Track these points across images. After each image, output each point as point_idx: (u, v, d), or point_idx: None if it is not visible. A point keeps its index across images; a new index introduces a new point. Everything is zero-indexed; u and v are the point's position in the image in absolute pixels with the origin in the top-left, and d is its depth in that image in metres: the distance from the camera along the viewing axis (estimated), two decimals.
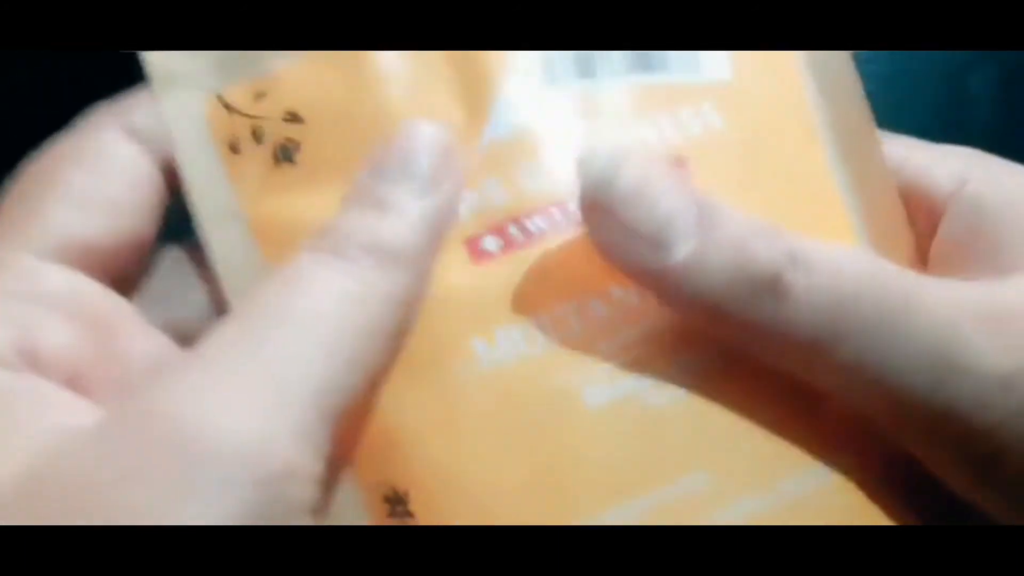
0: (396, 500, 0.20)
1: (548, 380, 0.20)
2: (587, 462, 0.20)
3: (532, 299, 0.20)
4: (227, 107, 0.22)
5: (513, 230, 0.20)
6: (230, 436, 0.16)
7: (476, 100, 0.21)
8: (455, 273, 0.20)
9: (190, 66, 0.22)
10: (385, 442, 0.20)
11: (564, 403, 0.20)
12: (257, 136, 0.22)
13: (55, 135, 0.22)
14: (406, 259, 0.18)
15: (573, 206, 0.20)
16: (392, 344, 0.19)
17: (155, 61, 0.22)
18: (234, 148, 0.22)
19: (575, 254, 0.20)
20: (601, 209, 0.19)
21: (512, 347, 0.20)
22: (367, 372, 0.18)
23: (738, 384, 0.20)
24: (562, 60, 0.21)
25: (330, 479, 0.19)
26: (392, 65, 0.21)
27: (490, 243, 0.20)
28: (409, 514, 0.20)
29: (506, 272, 0.20)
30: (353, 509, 0.20)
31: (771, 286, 0.19)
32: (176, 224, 0.23)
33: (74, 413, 0.18)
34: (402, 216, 0.18)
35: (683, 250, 0.18)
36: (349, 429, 0.19)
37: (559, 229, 0.20)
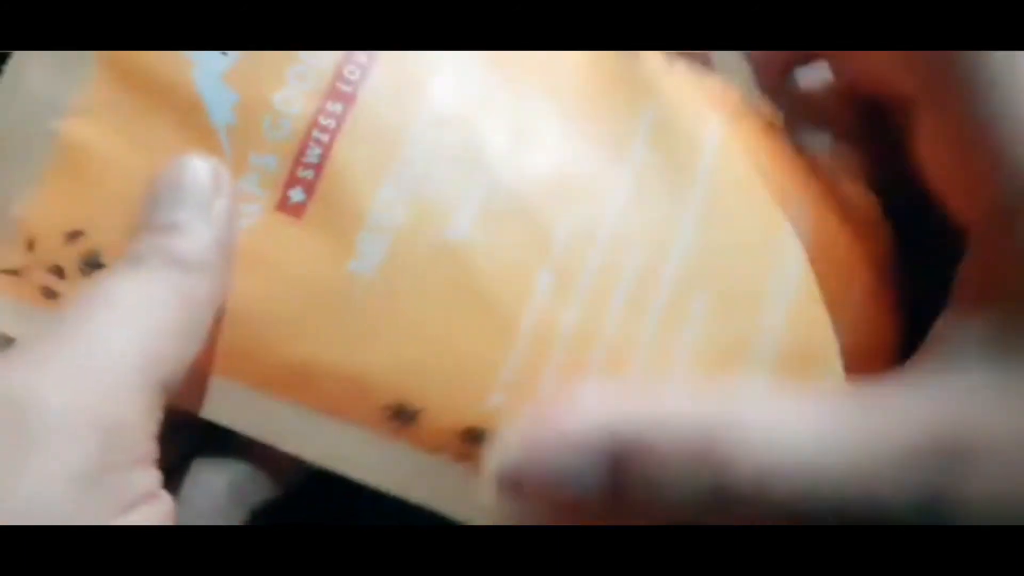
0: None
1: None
2: None
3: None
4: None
5: (302, 173, 0.21)
6: (68, 400, 0.18)
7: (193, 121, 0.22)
8: (285, 234, 0.21)
9: None
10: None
11: None
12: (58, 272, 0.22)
13: None
14: (201, 265, 0.20)
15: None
16: (201, 329, 0.20)
17: None
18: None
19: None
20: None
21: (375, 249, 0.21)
22: (182, 350, 0.20)
23: None
24: None
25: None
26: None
27: (296, 195, 0.21)
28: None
29: (322, 208, 0.21)
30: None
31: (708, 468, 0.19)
32: None
33: None
34: (191, 232, 0.21)
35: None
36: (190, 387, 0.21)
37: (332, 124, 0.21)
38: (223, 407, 0.21)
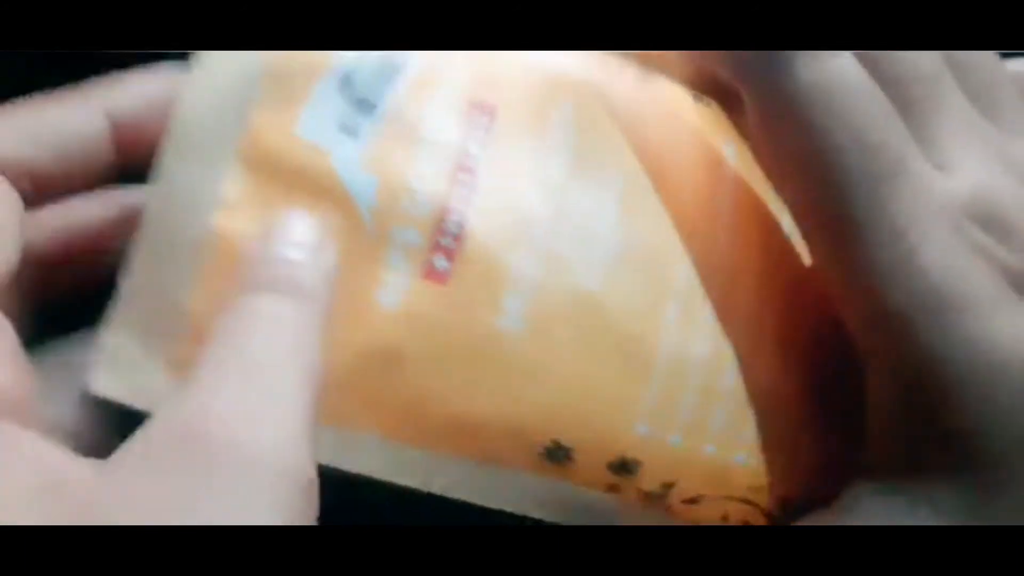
0: None
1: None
2: None
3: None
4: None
5: (443, 241, 0.23)
6: (269, 450, 0.18)
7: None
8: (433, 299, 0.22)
9: None
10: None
11: None
12: None
13: None
14: (317, 295, 0.21)
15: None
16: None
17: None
18: None
19: None
20: None
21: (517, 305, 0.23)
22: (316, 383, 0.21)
23: None
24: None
25: None
26: None
27: (440, 263, 0.23)
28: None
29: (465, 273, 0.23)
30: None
31: None
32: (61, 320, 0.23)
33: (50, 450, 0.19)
34: (307, 267, 0.21)
35: None
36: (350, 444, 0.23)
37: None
38: (387, 464, 0.23)
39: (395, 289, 0.22)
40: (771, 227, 0.25)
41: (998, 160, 0.23)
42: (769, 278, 0.24)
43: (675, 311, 0.23)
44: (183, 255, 0.22)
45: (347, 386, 0.22)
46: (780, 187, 0.23)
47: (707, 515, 0.24)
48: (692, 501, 0.24)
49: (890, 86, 0.22)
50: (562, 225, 0.23)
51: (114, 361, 0.22)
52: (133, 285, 0.22)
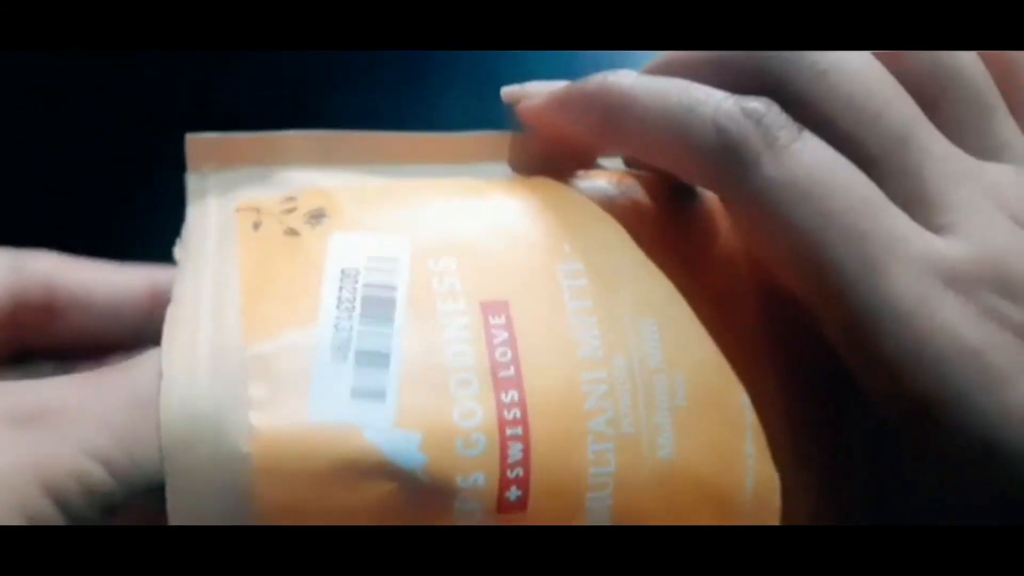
0: None
1: None
2: None
3: None
4: (256, 209, 0.23)
5: (512, 474, 0.21)
6: None
7: None
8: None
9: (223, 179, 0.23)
10: None
11: None
12: (283, 215, 0.22)
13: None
14: None
15: None
16: None
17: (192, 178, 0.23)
18: (256, 226, 0.22)
19: None
20: None
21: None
22: None
23: None
24: None
25: None
26: None
27: (513, 494, 0.21)
28: None
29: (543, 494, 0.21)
30: None
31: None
32: None
33: None
34: None
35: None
36: None
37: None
38: None
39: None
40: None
41: (995, 205, 0.21)
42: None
43: (753, 447, 0.22)
44: None
45: None
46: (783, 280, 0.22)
47: None
48: None
49: (868, 156, 0.21)
50: (619, 396, 0.21)
51: None
52: None
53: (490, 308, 0.21)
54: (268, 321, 0.20)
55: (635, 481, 0.21)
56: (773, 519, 0.22)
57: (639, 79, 0.22)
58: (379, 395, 0.20)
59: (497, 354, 0.21)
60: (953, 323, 0.20)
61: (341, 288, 0.21)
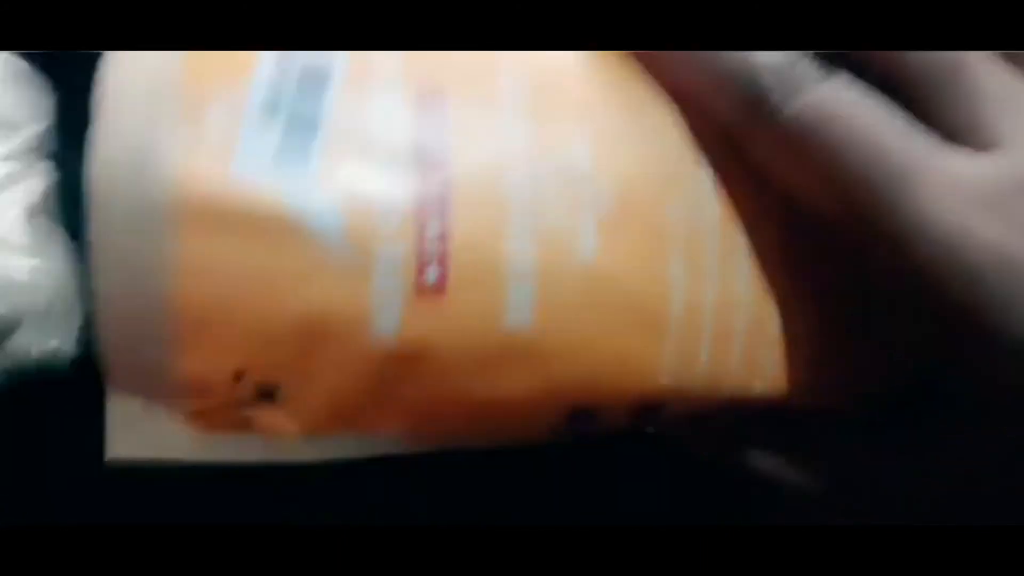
0: None
1: None
2: None
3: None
4: None
5: (430, 247, 0.21)
6: None
7: None
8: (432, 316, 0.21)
9: None
10: None
11: None
12: None
13: None
14: None
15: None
16: None
17: None
18: None
19: None
20: None
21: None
22: None
23: None
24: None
25: None
26: None
27: (432, 274, 0.21)
28: None
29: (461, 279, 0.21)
30: None
31: None
32: None
33: None
34: None
35: None
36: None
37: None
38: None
39: (390, 315, 0.21)
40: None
41: None
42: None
43: (678, 263, 0.23)
44: (151, 331, 0.21)
45: (362, 403, 0.22)
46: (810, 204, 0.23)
47: None
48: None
49: (910, 85, 0.22)
50: (544, 195, 0.22)
51: (124, 424, 0.21)
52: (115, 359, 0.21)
53: (427, 93, 0.22)
54: (207, 72, 0.21)
55: (557, 277, 0.22)
56: (697, 346, 0.23)
57: None
58: (303, 160, 0.21)
59: (427, 136, 0.21)
60: (994, 236, 0.21)
61: (282, 57, 0.21)
